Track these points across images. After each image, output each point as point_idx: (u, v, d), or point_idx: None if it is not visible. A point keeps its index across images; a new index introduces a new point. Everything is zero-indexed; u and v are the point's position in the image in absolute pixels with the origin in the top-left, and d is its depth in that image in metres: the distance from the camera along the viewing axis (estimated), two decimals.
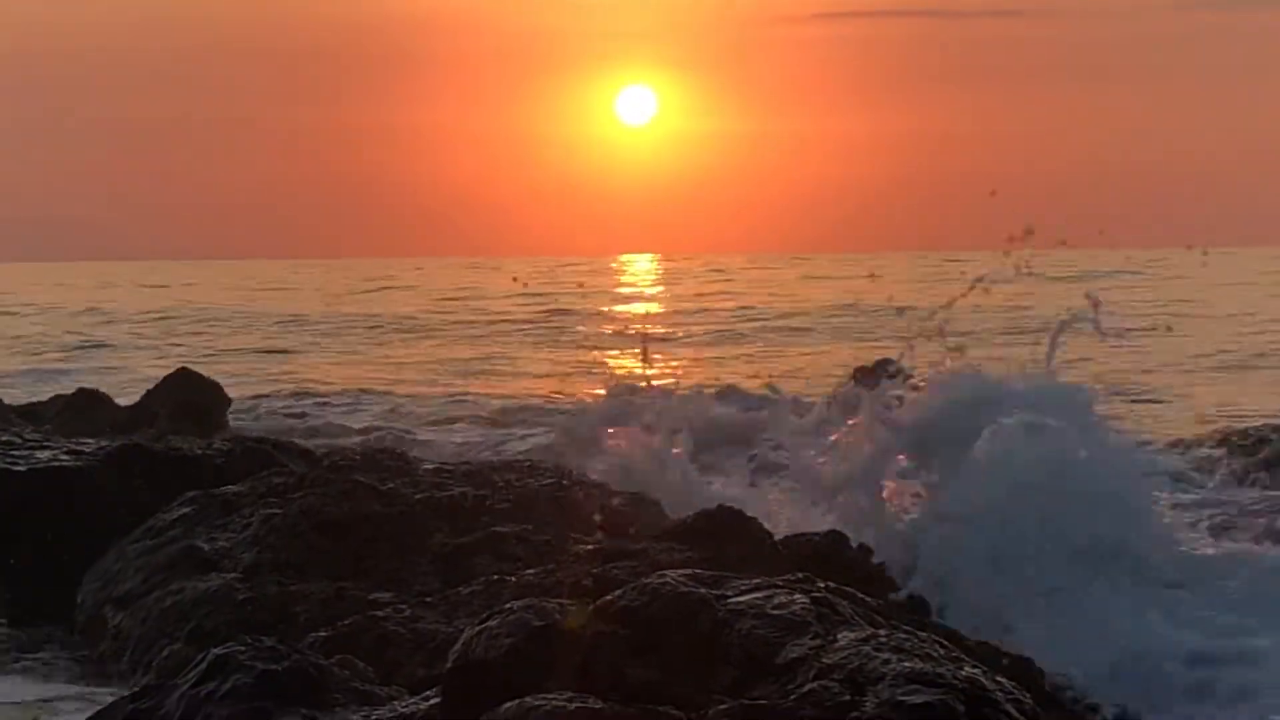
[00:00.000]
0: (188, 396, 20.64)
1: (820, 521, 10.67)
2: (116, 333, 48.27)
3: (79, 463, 12.16)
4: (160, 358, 36.97)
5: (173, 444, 12.85)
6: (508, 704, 5.76)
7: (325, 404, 26.63)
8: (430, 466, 12.11)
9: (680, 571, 6.48)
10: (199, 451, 12.56)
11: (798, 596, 6.23)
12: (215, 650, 6.91)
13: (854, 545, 9.22)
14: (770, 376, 28.44)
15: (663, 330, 46.28)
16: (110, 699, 7.35)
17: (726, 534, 9.13)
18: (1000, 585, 9.33)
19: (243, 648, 6.85)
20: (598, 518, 10.61)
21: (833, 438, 11.68)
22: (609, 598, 6.32)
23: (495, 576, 9.04)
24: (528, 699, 5.74)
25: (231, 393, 21.71)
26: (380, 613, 8.72)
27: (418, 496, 10.82)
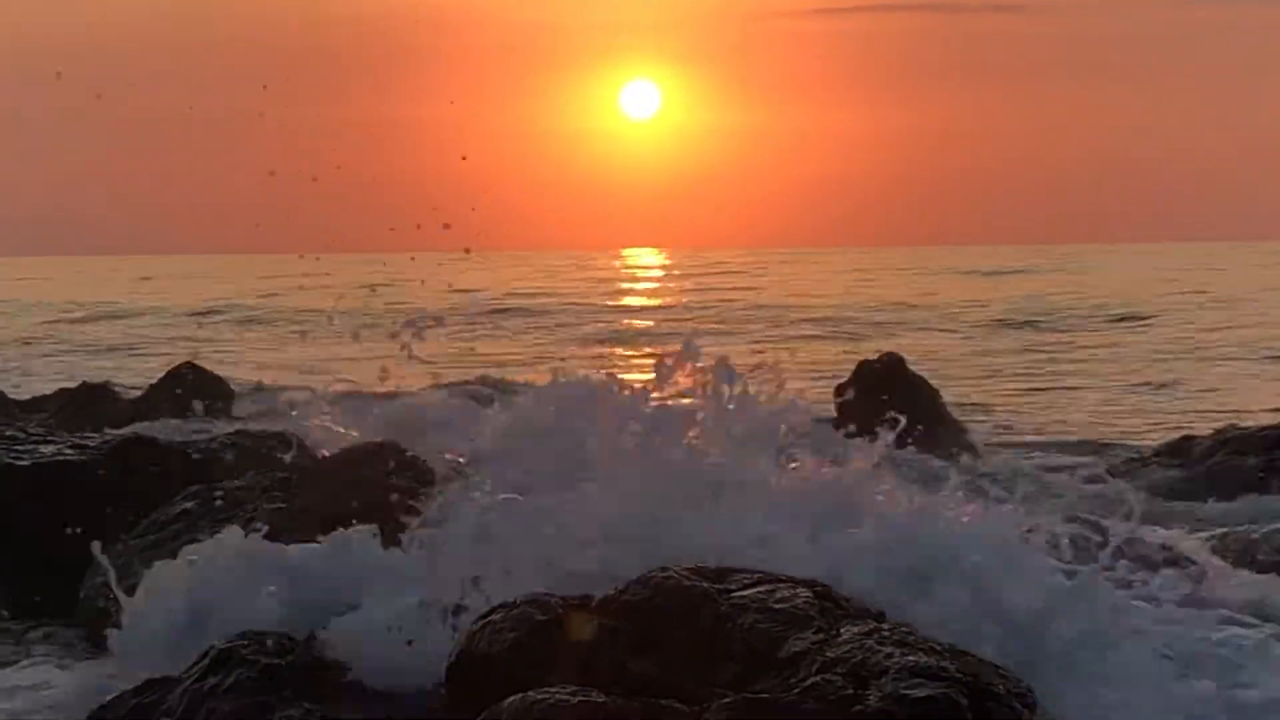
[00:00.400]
0: (193, 390, 20.64)
1: None
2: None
3: (82, 457, 12.15)
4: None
5: (176, 438, 12.84)
6: (511, 698, 5.76)
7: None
8: (433, 459, 12.08)
9: (682, 566, 6.48)
10: (203, 445, 12.55)
11: (800, 590, 6.22)
12: (218, 644, 6.91)
13: None
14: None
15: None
16: (114, 694, 7.36)
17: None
18: None
19: (246, 642, 6.85)
20: None
21: None
22: (611, 592, 6.31)
23: None
24: (531, 693, 5.74)
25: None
26: None
27: (422, 491, 10.81)
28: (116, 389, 22.94)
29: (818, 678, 5.66)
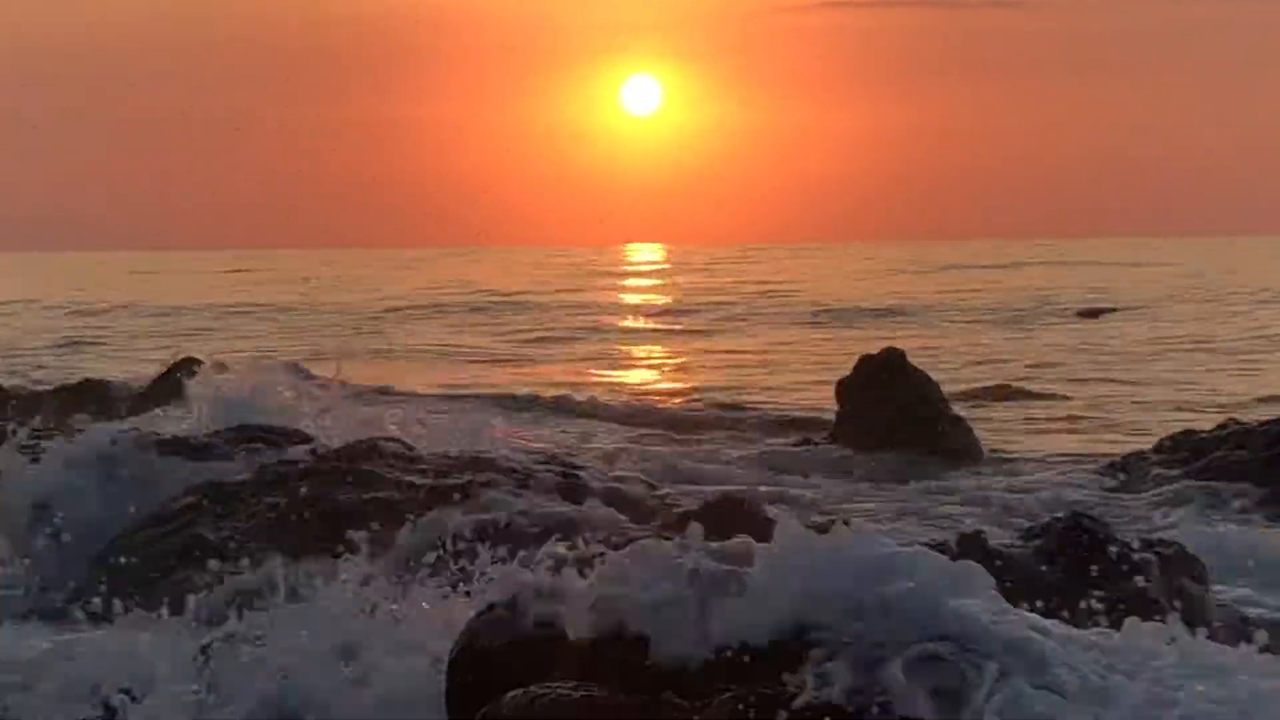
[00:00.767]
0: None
1: None
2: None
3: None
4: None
5: (177, 433, 12.84)
6: (512, 693, 5.75)
7: None
8: (435, 454, 12.09)
9: None
10: (204, 440, 12.55)
11: None
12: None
13: None
14: None
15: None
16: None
17: (734, 521, 9.12)
18: None
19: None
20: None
21: None
22: None
23: (500, 564, 9.01)
24: (532, 688, 5.73)
25: None
26: None
27: (422, 484, 10.82)
28: (115, 384, 22.96)
29: (821, 669, 5.65)
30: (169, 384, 20.84)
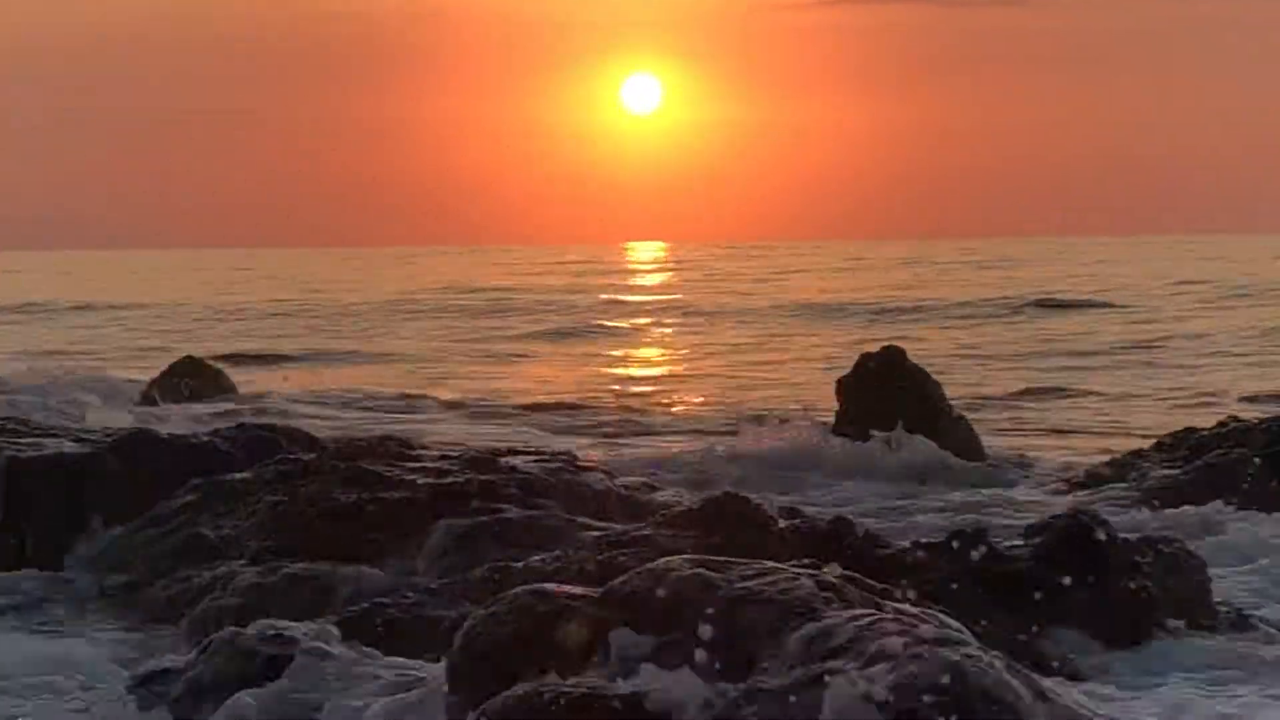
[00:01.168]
0: (195, 384, 20.67)
1: None
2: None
3: (85, 450, 12.15)
4: None
5: (178, 432, 12.85)
6: (513, 689, 5.76)
7: None
8: (436, 453, 12.10)
9: (686, 557, 6.48)
10: (205, 439, 12.56)
11: (803, 581, 6.22)
12: (220, 635, 6.92)
13: (860, 530, 9.21)
14: None
15: None
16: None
17: (732, 520, 9.13)
18: None
19: (249, 634, 6.86)
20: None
21: None
22: (615, 583, 6.31)
23: (501, 562, 9.04)
24: (533, 684, 5.74)
25: None
26: (386, 599, 8.72)
27: (423, 482, 10.82)
28: (116, 381, 22.98)
29: (821, 667, 5.67)
30: (170, 382, 20.89)
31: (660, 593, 6.18)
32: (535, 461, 11.73)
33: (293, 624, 7.23)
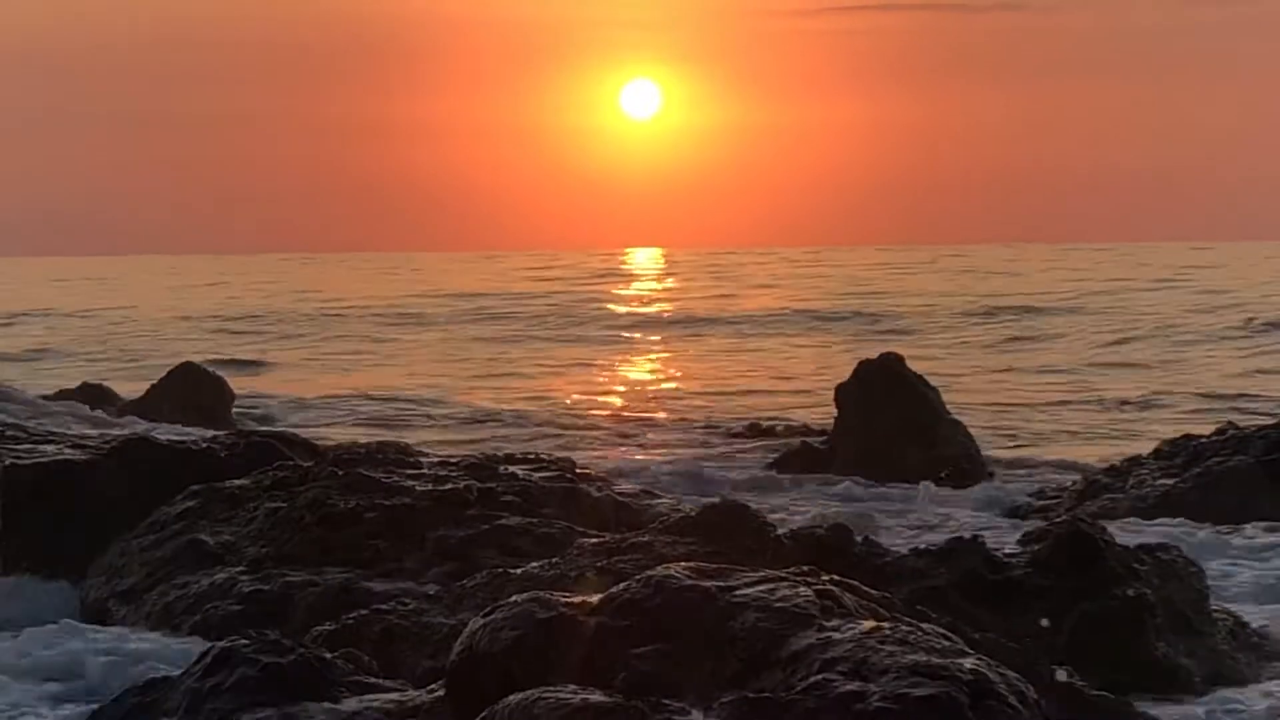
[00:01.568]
0: (192, 391, 20.66)
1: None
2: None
3: (84, 457, 12.15)
4: None
5: (177, 438, 12.84)
6: (512, 696, 5.77)
7: None
8: (434, 460, 12.10)
9: (685, 565, 6.48)
10: (203, 445, 12.55)
11: (802, 589, 6.22)
12: (219, 643, 6.92)
13: (859, 539, 9.21)
14: None
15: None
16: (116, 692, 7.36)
17: (731, 528, 9.14)
18: None
19: (247, 641, 6.86)
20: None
21: None
22: (613, 591, 6.32)
23: (500, 569, 9.04)
24: (531, 692, 5.74)
25: None
26: (384, 606, 8.72)
27: (422, 490, 10.82)
28: (116, 389, 22.98)
29: (819, 676, 5.67)
30: (167, 388, 20.88)
31: (659, 600, 6.19)
32: (534, 469, 11.73)
33: (292, 633, 7.22)
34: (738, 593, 6.21)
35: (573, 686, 5.77)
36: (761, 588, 6.24)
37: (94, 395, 22.09)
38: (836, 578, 6.52)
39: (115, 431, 15.83)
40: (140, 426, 17.65)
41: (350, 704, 6.63)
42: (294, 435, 13.62)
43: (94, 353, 39.78)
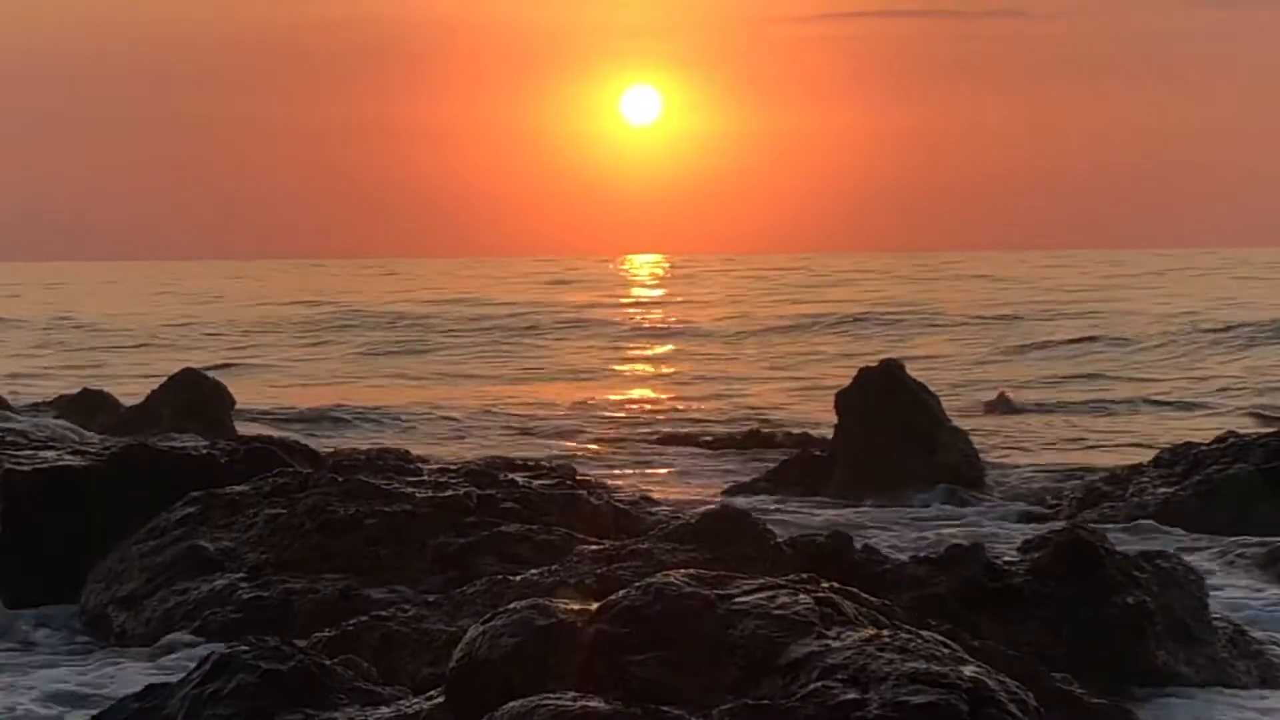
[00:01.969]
0: (192, 397, 20.64)
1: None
2: None
3: (83, 462, 12.15)
4: None
5: (177, 444, 12.84)
6: (511, 704, 5.76)
7: None
8: (435, 466, 12.10)
9: (684, 572, 6.48)
10: (203, 451, 12.55)
11: (801, 597, 6.22)
12: (219, 650, 6.91)
13: (858, 546, 9.22)
14: None
15: None
16: (115, 699, 7.36)
17: (731, 535, 9.13)
18: None
19: (246, 648, 6.86)
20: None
21: None
22: (613, 598, 6.32)
23: (499, 576, 9.04)
24: (531, 699, 5.74)
25: None
26: (384, 612, 8.72)
27: (422, 496, 10.83)
28: (116, 395, 22.98)
29: (818, 684, 5.67)
30: (167, 395, 20.86)
31: (659, 607, 6.19)
32: (534, 476, 11.73)
33: (291, 640, 7.22)
34: (737, 600, 6.21)
35: (572, 693, 5.77)
36: (761, 595, 6.24)
37: (93, 401, 22.10)
38: (836, 585, 6.52)
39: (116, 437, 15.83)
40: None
41: (350, 711, 6.63)
42: (294, 442, 13.63)
43: None
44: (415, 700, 6.63)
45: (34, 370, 36.26)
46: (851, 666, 5.70)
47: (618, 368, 37.90)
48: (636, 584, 6.36)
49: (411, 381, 33.35)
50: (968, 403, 25.60)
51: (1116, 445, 21.10)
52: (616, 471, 18.08)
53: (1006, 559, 9.15)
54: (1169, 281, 68.75)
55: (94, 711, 7.38)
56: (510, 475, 11.58)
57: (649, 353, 42.23)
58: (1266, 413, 24.61)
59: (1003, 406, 25.35)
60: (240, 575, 10.23)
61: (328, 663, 6.94)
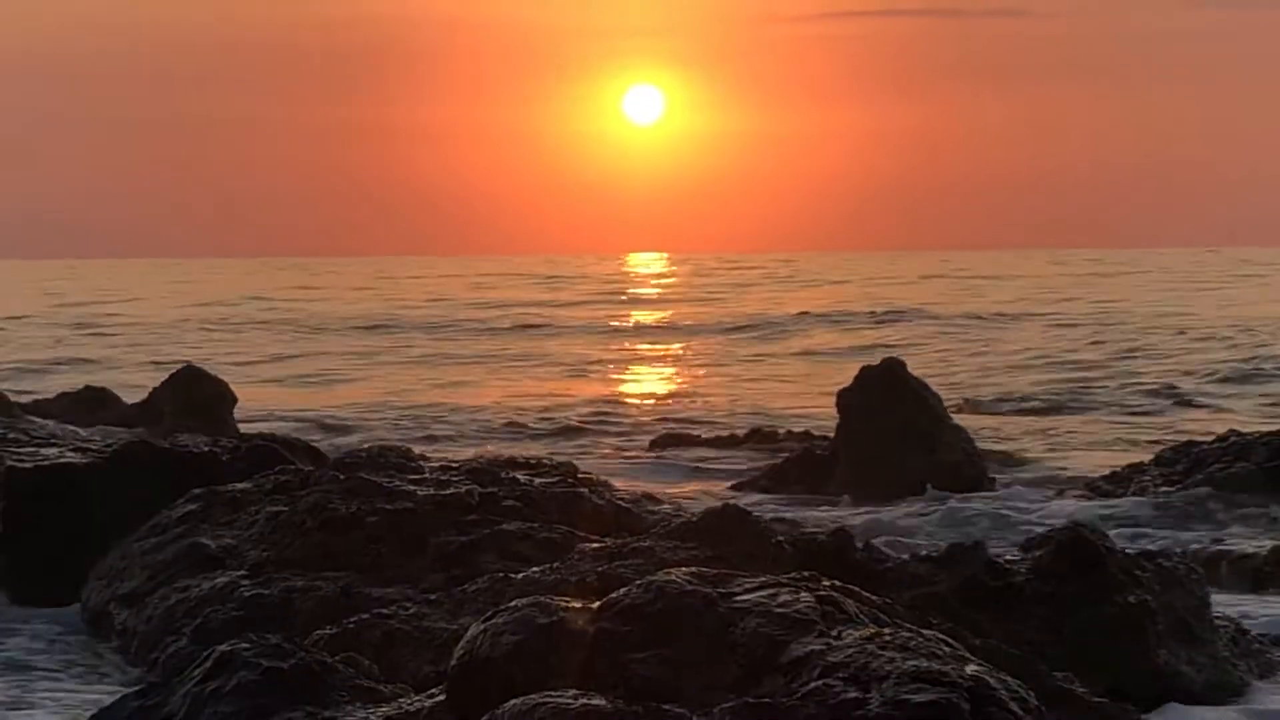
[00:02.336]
0: (194, 394, 20.63)
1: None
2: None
3: (85, 460, 12.16)
4: None
5: (178, 441, 12.85)
6: (512, 702, 5.76)
7: None
8: (436, 464, 12.10)
9: (685, 570, 6.48)
10: (205, 449, 12.56)
11: (802, 595, 6.22)
12: (220, 647, 6.91)
13: (860, 544, 9.21)
14: None
15: None
16: (115, 696, 7.36)
17: (732, 533, 9.13)
18: None
19: (247, 645, 6.85)
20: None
21: None
22: (614, 595, 6.31)
23: (500, 574, 9.04)
24: (532, 697, 5.74)
25: None
26: (385, 610, 8.72)
27: (423, 494, 10.83)
28: (118, 392, 22.97)
29: (819, 682, 5.67)
30: (169, 392, 20.85)
31: (660, 606, 6.19)
32: (535, 474, 11.73)
33: (293, 637, 7.22)
34: (738, 598, 6.21)
35: (573, 691, 5.77)
36: (762, 593, 6.24)
37: (95, 398, 22.08)
38: (837, 583, 6.52)
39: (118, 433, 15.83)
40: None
41: (351, 709, 6.63)
42: (296, 439, 13.63)
43: None
44: (416, 698, 6.63)
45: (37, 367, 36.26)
46: (853, 665, 5.70)
47: (618, 365, 37.89)
48: (638, 582, 6.36)
49: (410, 380, 33.35)
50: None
51: (1122, 443, 21.08)
52: (618, 469, 18.08)
53: (1008, 558, 9.15)
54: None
55: (94, 709, 7.38)
56: (512, 473, 11.58)
57: (649, 350, 42.21)
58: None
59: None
60: (242, 573, 10.23)
61: (329, 660, 6.94)
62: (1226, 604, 10.19)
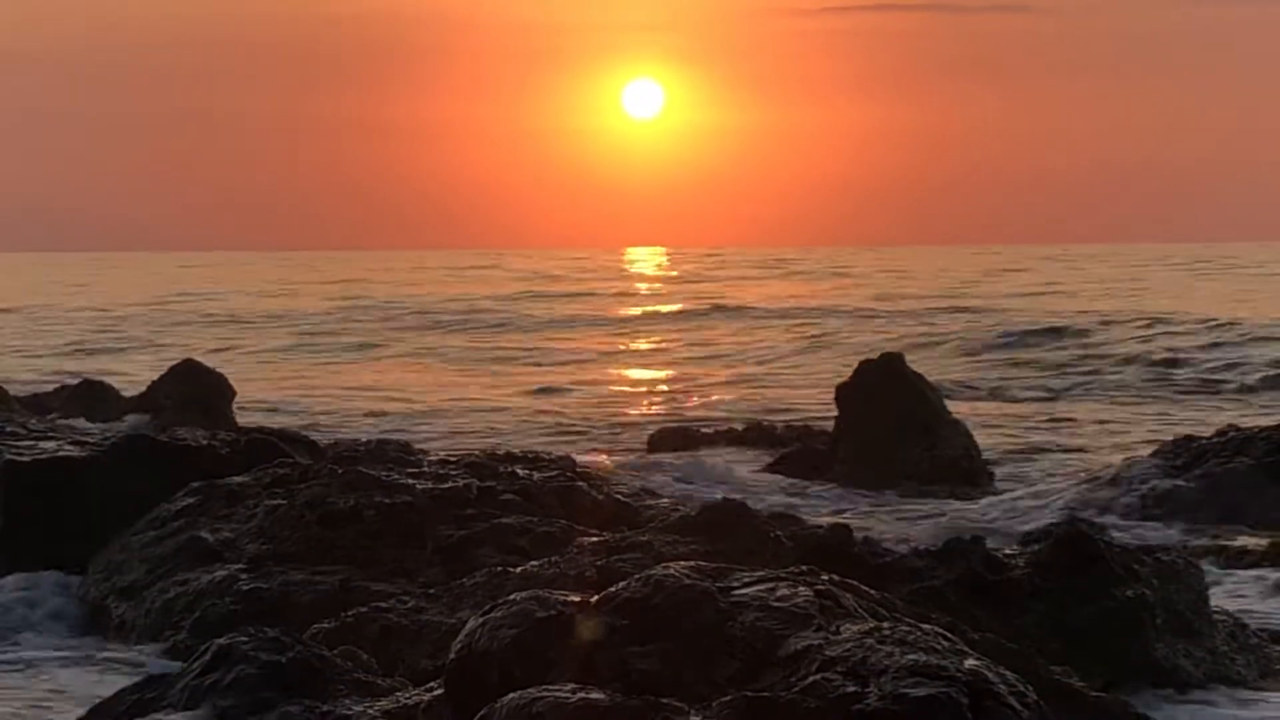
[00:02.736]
0: (193, 388, 20.64)
1: None
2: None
3: (84, 453, 12.15)
4: None
5: (177, 435, 12.85)
6: (510, 695, 5.76)
7: None
8: (435, 458, 12.10)
9: (684, 564, 6.48)
10: (204, 442, 12.55)
11: (801, 589, 6.22)
12: (219, 641, 6.91)
13: (859, 538, 9.21)
14: None
15: None
16: (115, 689, 7.36)
17: (731, 527, 9.13)
18: None
19: (246, 638, 6.85)
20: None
21: None
22: (613, 589, 6.31)
23: (499, 568, 9.04)
24: (530, 691, 5.74)
25: None
26: (384, 604, 8.72)
27: (422, 488, 10.82)
28: (117, 385, 22.98)
29: (818, 676, 5.67)
30: (168, 385, 20.86)
31: (659, 599, 6.19)
32: (534, 468, 11.73)
33: (291, 631, 7.22)
34: (737, 592, 6.21)
35: (572, 685, 5.77)
36: (761, 587, 6.24)
37: (94, 392, 22.09)
38: (836, 577, 6.52)
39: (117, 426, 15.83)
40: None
41: (349, 702, 6.63)
42: (295, 433, 13.63)
43: None
44: (415, 692, 6.63)
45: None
46: (851, 659, 5.70)
47: (617, 359, 37.89)
48: (636, 576, 6.36)
49: (410, 377, 33.35)
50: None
51: (1121, 438, 21.08)
52: (616, 463, 18.06)
53: (1006, 552, 9.15)
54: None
55: (93, 702, 7.38)
56: (510, 467, 11.58)
57: (648, 345, 42.20)
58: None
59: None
60: (240, 566, 10.23)
61: (327, 654, 6.94)
62: (1225, 598, 10.19)
